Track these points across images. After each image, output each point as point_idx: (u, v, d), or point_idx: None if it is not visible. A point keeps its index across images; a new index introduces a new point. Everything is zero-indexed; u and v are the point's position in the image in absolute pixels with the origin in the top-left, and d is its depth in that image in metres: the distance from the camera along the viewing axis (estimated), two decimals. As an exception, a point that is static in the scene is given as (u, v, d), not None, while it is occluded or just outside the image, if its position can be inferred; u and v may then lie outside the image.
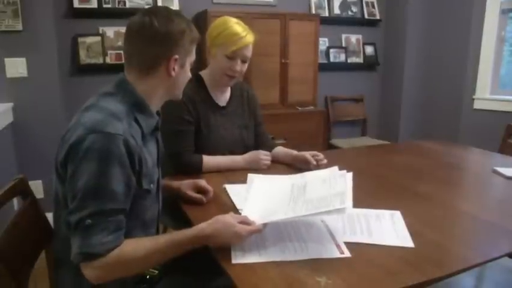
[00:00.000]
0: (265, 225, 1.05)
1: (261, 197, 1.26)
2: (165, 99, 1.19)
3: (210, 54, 1.67)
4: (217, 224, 1.00)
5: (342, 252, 0.98)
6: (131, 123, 1.03)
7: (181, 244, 0.99)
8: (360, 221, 1.17)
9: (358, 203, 1.30)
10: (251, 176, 1.45)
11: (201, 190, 1.37)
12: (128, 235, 1.08)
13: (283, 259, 0.96)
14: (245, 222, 1.03)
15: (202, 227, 1.00)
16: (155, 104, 1.14)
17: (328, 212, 1.01)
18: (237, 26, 1.60)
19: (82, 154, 0.92)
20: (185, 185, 1.37)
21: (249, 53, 1.64)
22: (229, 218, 1.03)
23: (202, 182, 1.38)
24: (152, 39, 1.06)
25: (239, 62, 1.62)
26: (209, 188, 1.36)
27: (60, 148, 0.99)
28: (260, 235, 1.06)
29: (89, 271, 0.92)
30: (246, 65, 1.67)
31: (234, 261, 0.97)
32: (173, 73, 1.10)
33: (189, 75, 1.19)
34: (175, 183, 1.40)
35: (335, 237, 1.06)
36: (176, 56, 1.09)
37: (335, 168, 1.34)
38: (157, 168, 1.19)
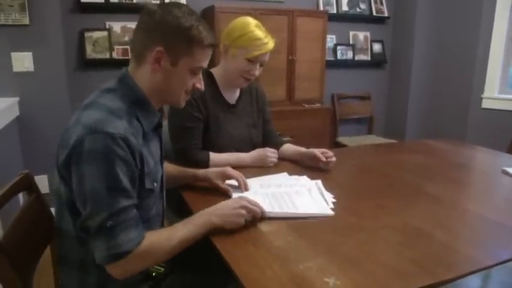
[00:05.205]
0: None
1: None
2: (164, 101, 1.15)
3: (227, 53, 1.65)
4: (223, 201, 1.13)
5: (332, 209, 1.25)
6: (132, 122, 1.01)
7: (194, 219, 1.06)
8: (284, 197, 1.32)
9: (365, 201, 1.31)
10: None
11: (228, 178, 1.40)
12: None
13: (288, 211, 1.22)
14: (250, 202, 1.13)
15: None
16: (155, 100, 1.10)
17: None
18: (258, 30, 1.61)
19: (85, 157, 0.90)
20: (213, 174, 1.40)
21: (267, 57, 1.66)
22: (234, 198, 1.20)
23: (229, 171, 1.40)
24: (145, 26, 1.05)
25: (258, 66, 1.64)
26: (236, 174, 1.39)
27: (60, 148, 0.97)
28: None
29: (117, 269, 0.93)
30: (261, 69, 1.69)
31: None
32: (157, 67, 1.04)
33: (187, 82, 1.10)
34: (201, 172, 1.43)
35: (327, 200, 1.31)
36: (160, 48, 1.02)
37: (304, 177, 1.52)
38: (160, 166, 1.18)
